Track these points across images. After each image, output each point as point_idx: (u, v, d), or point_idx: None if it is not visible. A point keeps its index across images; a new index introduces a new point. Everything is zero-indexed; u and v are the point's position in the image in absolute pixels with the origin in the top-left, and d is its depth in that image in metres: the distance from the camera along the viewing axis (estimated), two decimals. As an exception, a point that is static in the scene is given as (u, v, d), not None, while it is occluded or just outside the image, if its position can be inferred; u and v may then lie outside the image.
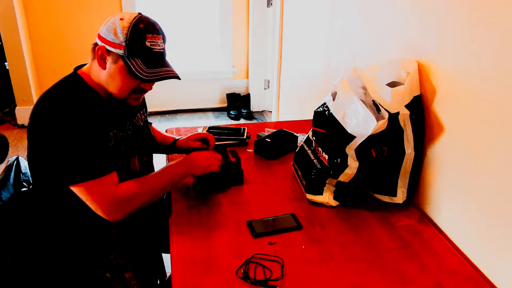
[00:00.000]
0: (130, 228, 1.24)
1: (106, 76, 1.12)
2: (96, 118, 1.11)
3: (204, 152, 1.27)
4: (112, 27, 1.08)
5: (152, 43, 1.10)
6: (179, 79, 1.16)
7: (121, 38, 1.07)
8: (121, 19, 1.09)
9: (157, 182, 1.17)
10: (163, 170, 1.20)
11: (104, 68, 1.11)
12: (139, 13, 1.12)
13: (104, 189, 1.08)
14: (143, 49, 1.09)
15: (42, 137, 1.07)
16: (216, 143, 1.47)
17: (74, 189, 1.08)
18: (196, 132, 1.50)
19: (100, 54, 1.10)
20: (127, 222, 1.17)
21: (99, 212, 1.08)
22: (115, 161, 1.15)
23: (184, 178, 1.22)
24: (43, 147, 1.08)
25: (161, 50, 1.13)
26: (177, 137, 1.51)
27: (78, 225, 1.20)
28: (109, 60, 1.10)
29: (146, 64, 1.09)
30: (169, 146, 1.49)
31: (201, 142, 1.46)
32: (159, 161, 1.45)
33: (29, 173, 1.31)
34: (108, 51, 1.09)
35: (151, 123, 1.48)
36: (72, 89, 1.13)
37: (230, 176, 1.35)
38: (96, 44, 1.12)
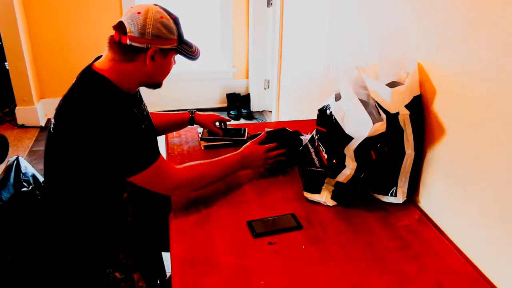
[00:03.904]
0: (143, 219, 1.27)
1: (154, 70, 1.18)
2: (131, 114, 1.16)
3: (259, 149, 1.37)
4: (163, 28, 1.12)
5: (182, 27, 1.20)
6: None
7: (174, 34, 1.15)
8: (161, 17, 1.12)
9: (218, 169, 1.26)
10: (221, 161, 1.28)
11: (154, 65, 1.16)
12: (156, 5, 1.16)
13: (168, 167, 1.18)
14: (182, 35, 1.19)
15: (91, 139, 1.08)
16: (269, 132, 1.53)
17: (136, 178, 1.13)
18: (214, 114, 1.66)
19: (151, 56, 1.14)
20: (139, 212, 1.25)
21: (166, 190, 1.19)
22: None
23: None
24: (91, 148, 1.09)
25: None
26: (191, 110, 1.63)
27: (89, 223, 1.22)
28: (159, 57, 1.16)
29: (188, 46, 1.22)
30: (188, 121, 1.60)
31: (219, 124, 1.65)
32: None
33: (29, 173, 1.31)
34: (161, 50, 1.14)
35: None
36: (102, 89, 1.14)
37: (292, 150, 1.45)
38: (131, 47, 1.11)
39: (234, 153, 1.33)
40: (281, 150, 1.40)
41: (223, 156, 1.30)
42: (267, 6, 3.63)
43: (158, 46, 1.13)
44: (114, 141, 1.09)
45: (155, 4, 1.15)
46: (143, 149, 1.13)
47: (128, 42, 1.11)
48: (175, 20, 1.16)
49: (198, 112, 1.62)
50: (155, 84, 1.25)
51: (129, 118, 1.13)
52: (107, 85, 1.15)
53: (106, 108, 1.10)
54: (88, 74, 1.16)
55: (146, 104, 1.41)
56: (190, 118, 1.59)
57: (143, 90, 1.33)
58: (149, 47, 1.12)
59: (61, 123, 1.12)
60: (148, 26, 1.10)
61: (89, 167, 1.14)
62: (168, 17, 1.14)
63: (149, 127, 1.33)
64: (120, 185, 1.24)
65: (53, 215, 1.22)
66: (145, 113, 1.34)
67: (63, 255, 1.22)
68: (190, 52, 1.22)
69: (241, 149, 1.35)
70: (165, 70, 1.23)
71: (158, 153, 1.16)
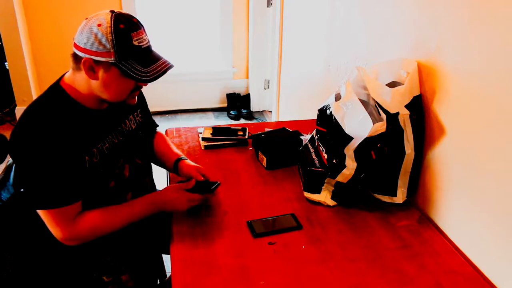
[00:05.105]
0: (129, 227, 1.24)
1: (99, 85, 1.06)
2: (77, 138, 1.07)
3: (181, 197, 1.17)
4: (93, 36, 1.01)
5: (139, 40, 1.05)
6: (173, 66, 1.11)
7: (107, 46, 1.01)
8: (99, 25, 1.01)
9: (122, 219, 1.14)
10: (131, 206, 1.17)
11: (96, 79, 1.05)
12: (112, 12, 1.04)
13: (64, 219, 1.07)
14: (132, 50, 1.04)
15: (18, 156, 1.05)
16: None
17: (38, 211, 1.08)
18: (200, 167, 1.30)
19: (87, 66, 1.03)
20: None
21: (56, 237, 1.09)
22: (90, 185, 1.12)
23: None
24: (17, 165, 1.07)
25: (148, 44, 1.09)
26: (182, 157, 1.34)
27: None
28: (100, 70, 1.04)
29: (141, 63, 1.05)
30: (172, 164, 1.33)
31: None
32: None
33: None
34: (97, 62, 1.03)
35: (158, 125, 1.46)
36: (53, 107, 1.08)
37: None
38: (75, 54, 1.06)
39: (149, 198, 1.18)
40: (204, 195, 1.20)
41: (136, 201, 1.17)
42: (267, 6, 3.63)
43: (90, 56, 1.02)
44: (27, 167, 1.03)
45: (112, 11, 1.05)
46: (45, 190, 1.04)
47: (73, 48, 1.06)
48: (121, 31, 1.01)
49: (185, 161, 1.33)
50: (110, 102, 1.12)
51: (58, 149, 1.03)
52: (60, 103, 1.08)
53: (37, 133, 1.03)
54: (50, 88, 1.12)
55: (139, 114, 1.31)
56: (174, 162, 1.33)
57: (144, 90, 1.23)
58: (83, 56, 1.03)
59: (10, 138, 1.07)
60: (83, 33, 1.02)
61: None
62: (108, 26, 1.01)
63: (123, 143, 1.21)
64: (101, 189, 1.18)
65: (37, 218, 1.20)
66: (120, 128, 1.22)
67: (52, 260, 1.22)
68: (138, 71, 1.04)
69: (160, 193, 1.20)
70: (112, 87, 1.07)
71: (59, 202, 1.05)
